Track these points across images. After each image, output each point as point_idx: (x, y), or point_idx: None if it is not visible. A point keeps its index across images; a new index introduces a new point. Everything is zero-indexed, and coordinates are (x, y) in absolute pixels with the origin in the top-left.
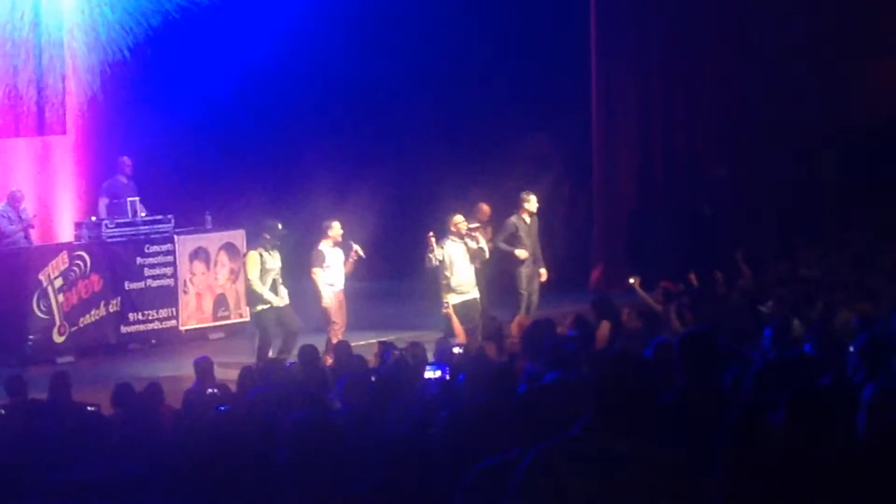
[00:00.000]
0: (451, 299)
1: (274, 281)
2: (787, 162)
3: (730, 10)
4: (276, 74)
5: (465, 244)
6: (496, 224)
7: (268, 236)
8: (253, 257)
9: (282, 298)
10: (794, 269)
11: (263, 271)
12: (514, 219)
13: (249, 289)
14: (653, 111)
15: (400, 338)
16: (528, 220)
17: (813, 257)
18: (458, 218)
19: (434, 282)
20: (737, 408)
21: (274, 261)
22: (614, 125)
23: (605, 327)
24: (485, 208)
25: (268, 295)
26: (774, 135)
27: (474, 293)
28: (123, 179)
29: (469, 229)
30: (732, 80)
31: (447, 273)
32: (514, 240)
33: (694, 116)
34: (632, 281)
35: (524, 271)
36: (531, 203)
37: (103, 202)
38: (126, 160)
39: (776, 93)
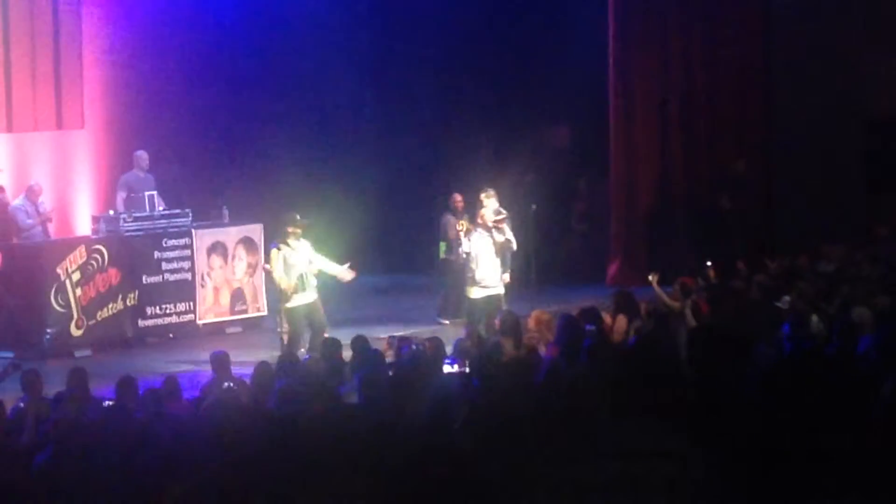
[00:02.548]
0: (475, 293)
1: (301, 275)
2: (808, 155)
3: (750, 1)
4: (293, 67)
5: (492, 237)
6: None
7: (289, 229)
8: (274, 255)
9: (308, 293)
10: (813, 263)
11: (287, 266)
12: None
13: (278, 286)
14: (672, 104)
15: (418, 332)
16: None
17: (834, 252)
18: (487, 210)
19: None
20: (758, 403)
21: (297, 254)
22: (632, 118)
23: (621, 321)
24: (458, 198)
25: (288, 294)
26: (795, 128)
27: (499, 288)
28: (140, 173)
29: (495, 222)
30: (753, 71)
31: (472, 266)
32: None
33: (713, 109)
34: (651, 278)
35: None
36: (486, 201)
37: (121, 196)
38: (142, 154)
39: (797, 85)
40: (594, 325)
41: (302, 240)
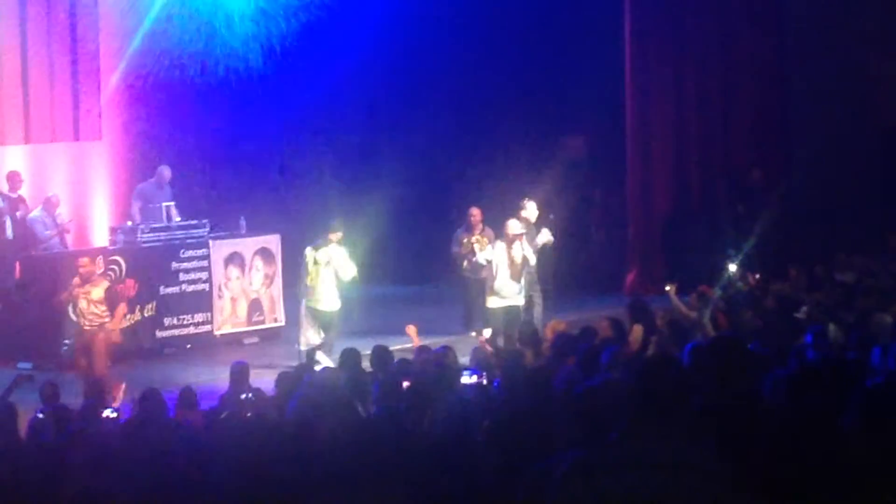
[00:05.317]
0: (493, 302)
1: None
2: (825, 164)
3: (765, 11)
4: (312, 77)
5: (509, 251)
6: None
7: (332, 236)
8: (320, 253)
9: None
10: (830, 273)
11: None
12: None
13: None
14: (687, 113)
15: (434, 342)
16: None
17: (850, 261)
18: (513, 222)
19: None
20: (779, 414)
21: (335, 258)
22: (649, 128)
23: (637, 331)
24: (474, 212)
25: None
26: (811, 137)
27: (517, 300)
28: (156, 186)
29: (514, 235)
30: (768, 81)
31: (493, 275)
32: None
33: (729, 118)
34: (668, 288)
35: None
36: (527, 211)
37: (136, 206)
38: (165, 171)
39: (813, 94)
40: (619, 335)
41: (339, 247)
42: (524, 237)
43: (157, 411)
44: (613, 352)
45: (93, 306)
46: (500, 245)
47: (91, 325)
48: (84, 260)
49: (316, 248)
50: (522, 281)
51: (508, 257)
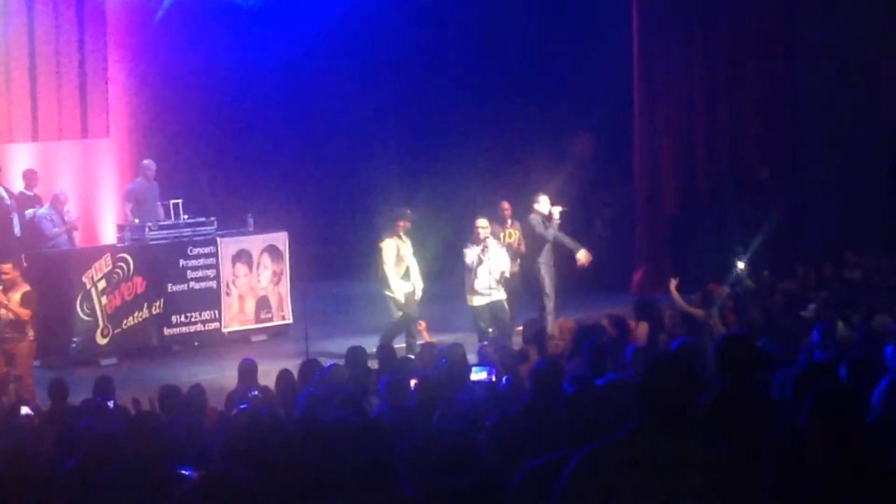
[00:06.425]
0: (476, 301)
1: (407, 268)
2: (834, 162)
3: (773, 9)
4: (315, 76)
5: (480, 252)
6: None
7: (400, 223)
8: (389, 245)
9: (413, 286)
10: (839, 271)
11: (398, 259)
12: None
13: (382, 274)
14: (695, 111)
15: (441, 340)
16: (540, 220)
17: (858, 259)
18: (481, 222)
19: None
20: (785, 413)
21: (407, 248)
22: (656, 126)
23: (642, 329)
24: (504, 206)
25: (395, 283)
26: (820, 135)
27: (498, 295)
28: (146, 182)
29: (482, 238)
30: (777, 79)
31: (471, 276)
32: (534, 238)
33: (737, 117)
34: (671, 284)
35: (545, 273)
36: (540, 204)
37: (128, 207)
38: (150, 164)
39: (822, 92)
40: (622, 333)
41: (400, 239)
42: (489, 241)
43: (178, 409)
44: (636, 349)
45: (12, 313)
46: (475, 247)
47: (12, 333)
48: (6, 266)
49: (387, 239)
50: (500, 276)
51: (478, 258)
